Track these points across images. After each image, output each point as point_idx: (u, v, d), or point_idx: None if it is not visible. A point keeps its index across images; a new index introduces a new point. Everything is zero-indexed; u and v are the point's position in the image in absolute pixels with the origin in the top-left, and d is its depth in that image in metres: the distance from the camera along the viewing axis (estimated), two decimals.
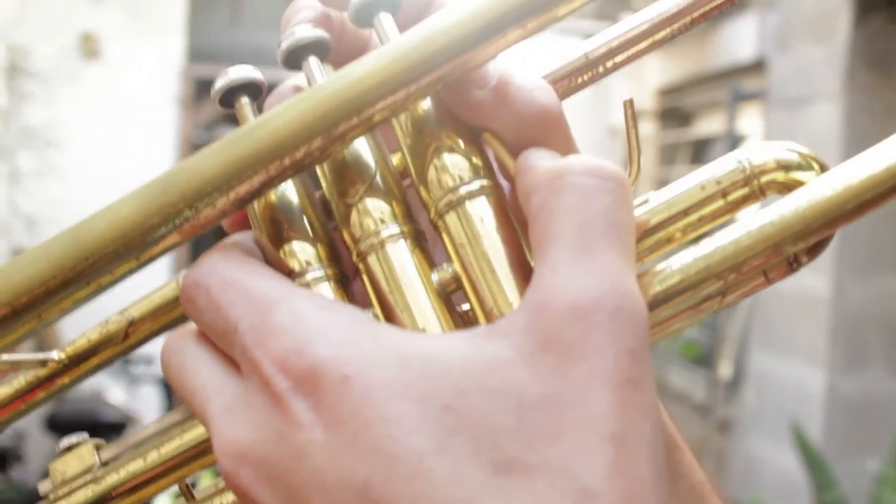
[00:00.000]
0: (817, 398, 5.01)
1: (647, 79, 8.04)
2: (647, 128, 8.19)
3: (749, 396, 5.81)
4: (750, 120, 6.77)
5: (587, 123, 7.53)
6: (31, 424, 5.69)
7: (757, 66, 6.22)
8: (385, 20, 0.50)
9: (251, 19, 8.62)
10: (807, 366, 5.12)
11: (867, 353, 4.96)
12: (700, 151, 7.77)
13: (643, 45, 0.54)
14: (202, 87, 8.16)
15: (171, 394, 6.78)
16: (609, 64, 0.54)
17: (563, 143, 0.49)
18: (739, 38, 6.43)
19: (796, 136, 5.26)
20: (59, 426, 5.39)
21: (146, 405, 6.55)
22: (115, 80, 7.70)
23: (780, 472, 5.17)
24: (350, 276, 0.50)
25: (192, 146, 8.00)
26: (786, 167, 0.51)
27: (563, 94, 0.54)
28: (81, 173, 7.23)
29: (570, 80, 0.54)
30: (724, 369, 6.61)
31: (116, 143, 7.55)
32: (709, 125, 7.64)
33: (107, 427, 5.53)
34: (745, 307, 6.13)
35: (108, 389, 6.12)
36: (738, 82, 6.68)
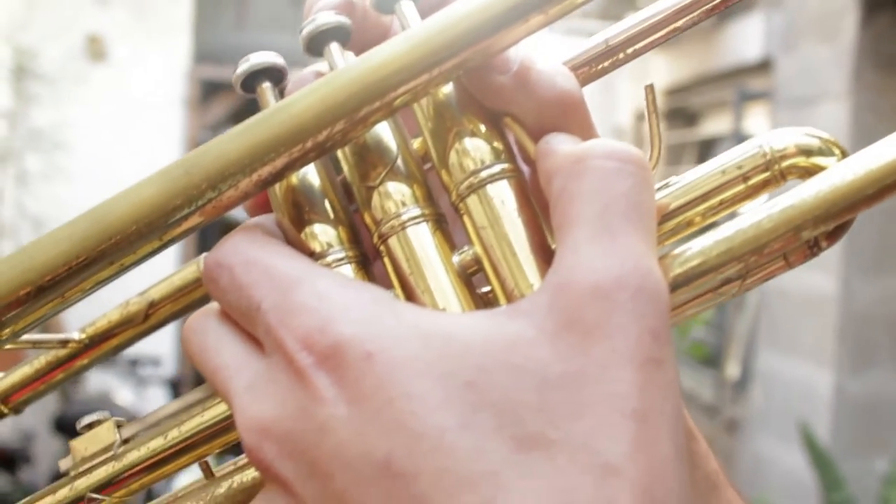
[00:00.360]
0: (825, 398, 5.00)
1: (654, 78, 8.04)
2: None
3: (756, 396, 5.80)
4: (756, 120, 6.76)
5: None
6: (39, 425, 5.70)
7: (763, 66, 6.22)
8: (407, 7, 0.51)
9: (257, 20, 8.64)
10: (814, 366, 5.11)
11: (875, 353, 4.95)
12: (706, 151, 7.77)
13: (663, 31, 0.54)
14: (208, 89, 8.18)
15: (179, 395, 6.79)
16: (630, 50, 0.54)
17: (583, 127, 0.50)
18: (746, 38, 6.43)
19: None
20: (68, 427, 5.40)
21: (153, 406, 6.54)
22: (121, 81, 7.72)
23: (787, 472, 5.17)
24: (371, 258, 0.50)
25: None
26: (807, 152, 0.51)
27: (584, 81, 0.54)
28: (88, 175, 7.24)
29: (590, 67, 0.54)
30: (732, 369, 6.60)
31: (123, 144, 7.57)
32: (715, 125, 7.63)
33: None
34: (753, 306, 6.13)
35: (116, 391, 6.14)
36: (745, 82, 6.68)
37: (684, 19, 0.54)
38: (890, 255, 4.87)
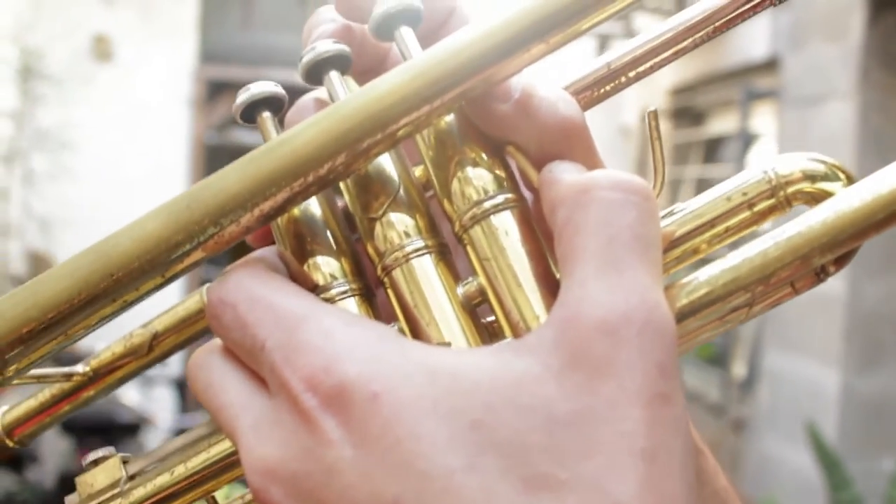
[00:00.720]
0: (832, 398, 4.99)
1: (660, 78, 8.02)
2: (661, 126, 8.13)
3: (763, 396, 5.79)
4: (763, 119, 6.75)
5: (598, 124, 7.52)
6: None
7: (770, 65, 6.21)
8: (406, 34, 0.50)
9: (263, 20, 8.64)
10: (821, 365, 5.10)
11: (882, 353, 4.94)
12: (713, 150, 7.75)
13: (666, 54, 0.54)
14: (214, 89, 8.19)
15: (185, 395, 6.80)
16: (632, 73, 0.54)
17: (586, 155, 0.49)
18: (752, 37, 6.42)
19: (810, 135, 5.25)
20: (74, 427, 5.41)
21: (160, 406, 6.57)
22: (127, 81, 7.74)
23: (794, 472, 5.16)
24: (374, 289, 0.50)
25: (205, 147, 8.03)
26: (812, 178, 0.51)
27: (587, 105, 0.53)
28: (94, 175, 7.26)
29: (592, 91, 0.54)
30: (738, 369, 6.60)
31: (129, 144, 7.59)
32: (722, 124, 7.62)
33: (121, 428, 5.55)
34: None
35: (123, 391, 6.14)
36: (752, 81, 6.66)
37: (688, 40, 0.53)
38: None
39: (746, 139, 6.69)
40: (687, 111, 8.05)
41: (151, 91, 7.81)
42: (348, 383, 0.40)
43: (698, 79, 7.57)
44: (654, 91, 8.03)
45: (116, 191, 6.62)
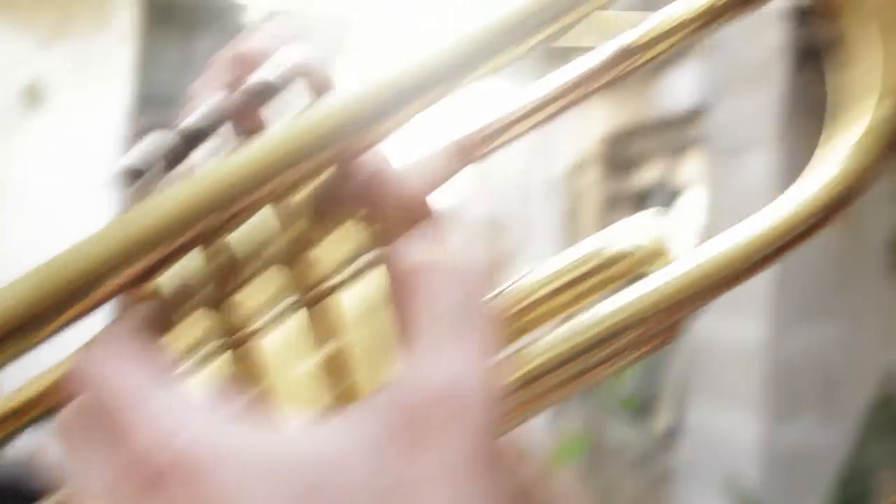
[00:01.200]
0: (753, 448, 5.00)
1: (592, 128, 8.09)
2: (592, 176, 8.20)
3: (686, 448, 5.77)
4: (691, 168, 6.83)
5: (531, 174, 7.55)
6: None
7: (696, 115, 6.28)
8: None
9: (202, 64, 8.58)
10: (743, 415, 5.11)
11: (802, 402, 4.96)
12: (642, 201, 7.82)
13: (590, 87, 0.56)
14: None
15: None
16: (548, 112, 0.56)
17: (436, 230, 0.51)
18: (679, 88, 6.51)
19: (735, 184, 5.29)
20: None
21: None
22: (60, 128, 7.62)
23: None
24: (245, 345, 0.51)
25: None
26: (634, 257, 0.53)
27: (501, 144, 0.56)
28: (26, 228, 7.12)
29: (512, 127, 0.56)
30: (663, 421, 6.58)
31: (63, 193, 7.45)
32: (650, 174, 7.69)
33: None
34: (685, 357, 6.14)
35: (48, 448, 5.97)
36: (678, 132, 6.74)
37: (608, 77, 0.56)
38: (817, 303, 4.90)
39: (669, 192, 6.76)
40: (618, 161, 8.12)
41: (86, 137, 7.70)
42: (177, 461, 0.41)
43: (629, 129, 7.63)
44: (588, 141, 8.09)
45: (51, 243, 6.40)
